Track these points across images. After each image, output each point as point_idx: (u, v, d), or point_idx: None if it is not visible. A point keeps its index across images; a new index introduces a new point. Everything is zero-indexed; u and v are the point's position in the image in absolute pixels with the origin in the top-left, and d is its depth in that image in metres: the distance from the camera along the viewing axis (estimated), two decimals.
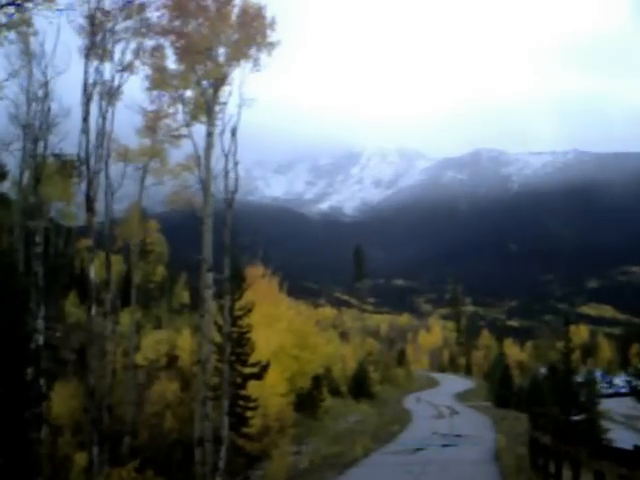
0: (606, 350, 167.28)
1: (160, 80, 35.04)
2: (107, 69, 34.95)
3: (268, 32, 34.27)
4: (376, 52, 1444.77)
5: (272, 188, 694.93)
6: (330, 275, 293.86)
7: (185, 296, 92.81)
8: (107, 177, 36.33)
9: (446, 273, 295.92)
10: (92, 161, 33.82)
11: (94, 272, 32.84)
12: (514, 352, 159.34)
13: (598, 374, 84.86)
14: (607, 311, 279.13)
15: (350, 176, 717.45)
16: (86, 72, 33.56)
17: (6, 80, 33.66)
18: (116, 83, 35.01)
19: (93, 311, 32.23)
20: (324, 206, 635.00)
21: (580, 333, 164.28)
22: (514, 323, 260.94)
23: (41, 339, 30.99)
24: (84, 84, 33.55)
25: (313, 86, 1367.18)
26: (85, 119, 33.36)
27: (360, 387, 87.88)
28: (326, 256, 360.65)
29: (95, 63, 33.82)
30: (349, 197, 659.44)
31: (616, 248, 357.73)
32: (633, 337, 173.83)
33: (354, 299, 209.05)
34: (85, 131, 33.29)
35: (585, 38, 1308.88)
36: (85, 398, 32.43)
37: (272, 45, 34.26)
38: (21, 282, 29.75)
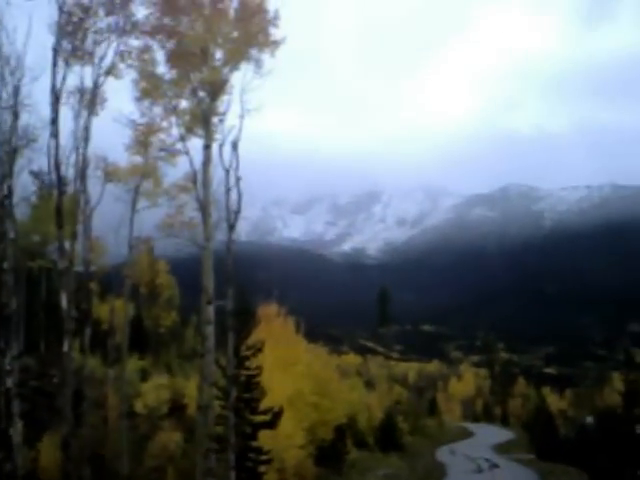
0: None
1: (150, 88, 32.56)
2: (88, 74, 32.57)
3: (271, 29, 31.94)
4: (394, 84, 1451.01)
5: (290, 229, 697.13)
6: (353, 320, 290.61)
7: (197, 341, 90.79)
8: (85, 191, 33.68)
9: (477, 318, 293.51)
10: (63, 169, 31.10)
11: (66, 300, 29.95)
12: (553, 400, 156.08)
13: None
14: None
15: (372, 215, 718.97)
16: (55, 65, 30.92)
17: None
18: (97, 88, 32.41)
19: (66, 346, 29.32)
20: (345, 247, 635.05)
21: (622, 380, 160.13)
22: (552, 370, 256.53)
23: (10, 382, 28.01)
24: (52, 81, 30.98)
25: (330, 122, 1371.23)
26: (54, 121, 30.66)
27: (388, 438, 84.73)
28: (348, 300, 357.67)
29: (65, 57, 31.17)
30: (372, 237, 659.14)
31: None
32: None
33: (379, 346, 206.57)
34: (54, 134, 30.55)
35: (619, 65, 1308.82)
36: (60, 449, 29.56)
37: (276, 44, 32.03)
38: None
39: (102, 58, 32.65)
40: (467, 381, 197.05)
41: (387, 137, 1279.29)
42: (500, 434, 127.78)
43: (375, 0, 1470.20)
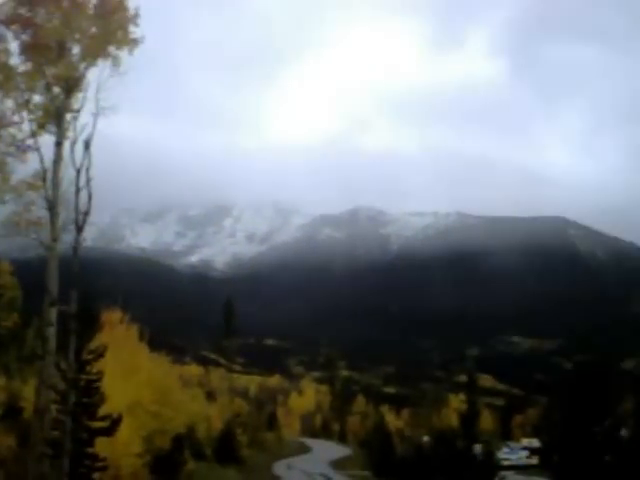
0: (487, 421, 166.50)
1: (2, 80, 31.30)
2: None
3: (130, 27, 31.23)
4: (248, 97, 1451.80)
5: (139, 237, 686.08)
6: (197, 331, 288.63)
7: (38, 344, 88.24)
8: None
9: (320, 335, 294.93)
10: None
11: None
12: (391, 419, 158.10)
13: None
14: (487, 380, 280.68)
15: (222, 229, 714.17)
16: None
17: None
18: None
19: None
20: (194, 259, 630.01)
21: (459, 402, 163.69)
22: (390, 389, 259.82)
23: None
24: None
25: (182, 132, 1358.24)
26: None
27: (226, 450, 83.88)
28: (194, 312, 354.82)
29: None
30: (220, 251, 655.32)
31: (497, 316, 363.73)
32: (515, 408, 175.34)
33: (222, 358, 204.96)
34: None
35: (466, 93, 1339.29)
36: None
37: (135, 42, 31.41)
38: None
39: None
40: (307, 396, 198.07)
41: (239, 151, 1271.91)
42: (337, 450, 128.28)
43: (232, 10, 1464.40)
